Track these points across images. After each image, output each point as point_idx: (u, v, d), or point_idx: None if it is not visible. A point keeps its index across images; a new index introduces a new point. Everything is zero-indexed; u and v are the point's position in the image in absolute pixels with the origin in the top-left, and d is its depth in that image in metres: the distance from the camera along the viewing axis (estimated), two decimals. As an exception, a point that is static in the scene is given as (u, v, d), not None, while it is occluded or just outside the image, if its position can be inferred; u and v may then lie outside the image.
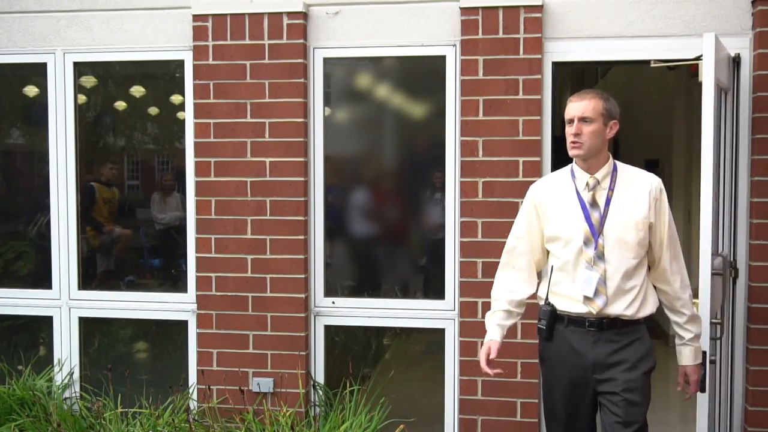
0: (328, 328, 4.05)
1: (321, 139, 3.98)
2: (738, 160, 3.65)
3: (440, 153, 3.90)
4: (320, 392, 4.00)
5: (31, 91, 4.32)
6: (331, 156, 4.05)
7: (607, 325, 2.69)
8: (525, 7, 3.71)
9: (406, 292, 4.16)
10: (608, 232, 2.68)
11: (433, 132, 3.98)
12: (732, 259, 3.67)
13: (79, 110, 4.22)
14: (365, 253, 4.28)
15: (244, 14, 3.93)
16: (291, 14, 3.90)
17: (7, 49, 4.20)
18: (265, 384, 3.96)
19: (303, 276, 3.94)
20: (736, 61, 3.62)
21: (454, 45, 3.84)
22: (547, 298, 2.79)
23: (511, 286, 2.86)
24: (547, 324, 2.76)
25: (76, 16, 4.13)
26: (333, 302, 4.03)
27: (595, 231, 2.69)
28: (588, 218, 2.71)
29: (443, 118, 3.88)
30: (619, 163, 2.79)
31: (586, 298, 2.69)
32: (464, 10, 3.76)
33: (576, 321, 2.73)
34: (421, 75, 4.05)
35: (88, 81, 4.27)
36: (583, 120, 2.67)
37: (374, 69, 4.09)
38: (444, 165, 3.88)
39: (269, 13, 3.91)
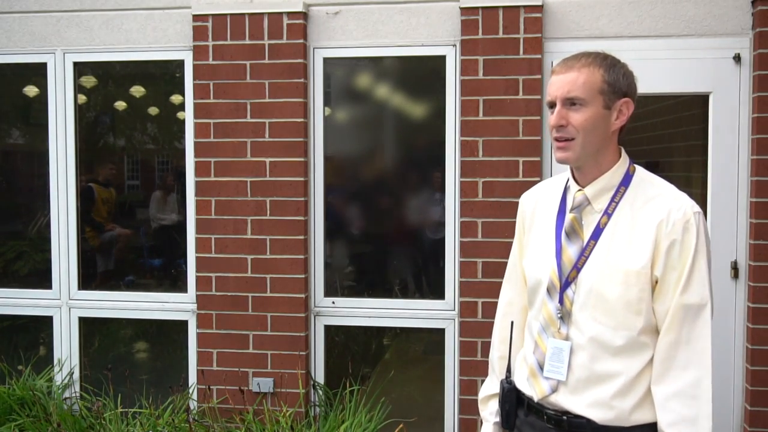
0: (328, 328, 4.05)
1: (321, 139, 3.98)
2: (738, 160, 3.65)
3: (440, 153, 3.90)
4: (320, 392, 4.00)
5: (31, 91, 4.31)
6: (331, 156, 4.05)
7: (570, 426, 1.72)
8: (525, 7, 3.71)
9: (406, 292, 4.16)
10: (583, 279, 1.70)
11: (433, 132, 3.98)
12: (732, 259, 3.67)
13: (79, 110, 4.22)
14: (365, 253, 4.28)
15: (244, 14, 3.93)
16: (291, 14, 3.90)
17: (7, 49, 4.20)
18: (265, 384, 3.95)
19: (303, 276, 3.94)
20: (736, 60, 3.62)
21: (454, 45, 3.84)
22: (508, 368, 1.91)
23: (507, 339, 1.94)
24: (502, 408, 1.86)
25: (76, 16, 4.13)
26: (333, 302, 4.03)
27: (563, 275, 1.73)
28: (558, 254, 1.75)
29: (443, 118, 3.88)
30: (640, 171, 1.77)
31: (532, 374, 1.79)
32: (464, 10, 3.76)
33: (536, 410, 1.80)
34: (421, 75, 4.05)
35: (88, 81, 4.27)
36: (569, 102, 1.68)
37: (374, 69, 4.09)
38: (444, 165, 3.88)
39: (269, 13, 3.91)
